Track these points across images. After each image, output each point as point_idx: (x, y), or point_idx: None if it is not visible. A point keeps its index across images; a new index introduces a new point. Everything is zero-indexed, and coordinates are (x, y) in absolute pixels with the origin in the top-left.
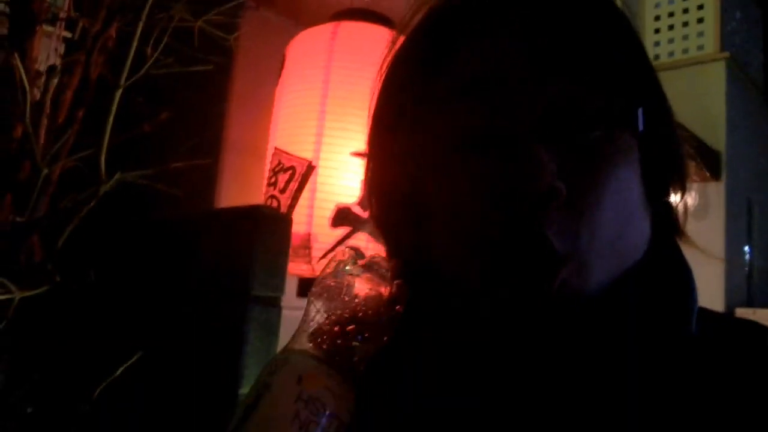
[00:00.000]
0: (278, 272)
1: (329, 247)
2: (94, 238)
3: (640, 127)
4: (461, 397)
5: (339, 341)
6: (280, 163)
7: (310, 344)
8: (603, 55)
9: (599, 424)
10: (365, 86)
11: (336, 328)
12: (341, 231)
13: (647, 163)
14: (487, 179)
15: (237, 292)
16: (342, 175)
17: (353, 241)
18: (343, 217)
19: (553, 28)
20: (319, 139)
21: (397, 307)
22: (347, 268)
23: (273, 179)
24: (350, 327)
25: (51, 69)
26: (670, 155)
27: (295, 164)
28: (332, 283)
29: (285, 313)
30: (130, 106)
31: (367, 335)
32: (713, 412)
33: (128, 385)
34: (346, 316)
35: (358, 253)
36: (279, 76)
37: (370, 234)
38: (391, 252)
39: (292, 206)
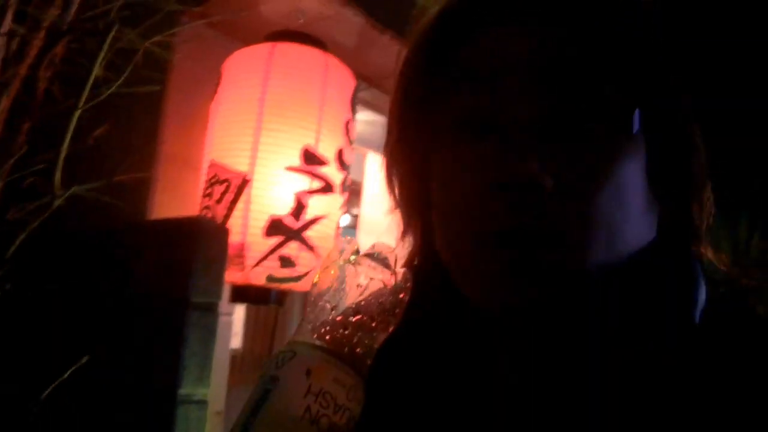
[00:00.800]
0: (216, 280)
1: (262, 255)
2: (41, 247)
3: (635, 126)
4: (463, 391)
5: (345, 332)
6: (215, 175)
7: (315, 336)
8: (607, 51)
9: (589, 406)
10: (300, 105)
11: (340, 319)
12: (274, 240)
13: (654, 161)
14: (478, 168)
15: (177, 298)
16: (276, 188)
17: (285, 250)
18: (276, 227)
19: (561, 23)
20: (255, 154)
21: (401, 295)
22: (352, 257)
23: (209, 191)
24: (355, 318)
25: (2, 84)
26: (676, 155)
27: (230, 177)
28: (335, 274)
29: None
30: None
31: (373, 325)
32: (703, 403)
33: (76, 387)
34: (351, 306)
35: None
36: (215, 91)
37: (302, 243)
38: (414, 240)
39: (227, 217)
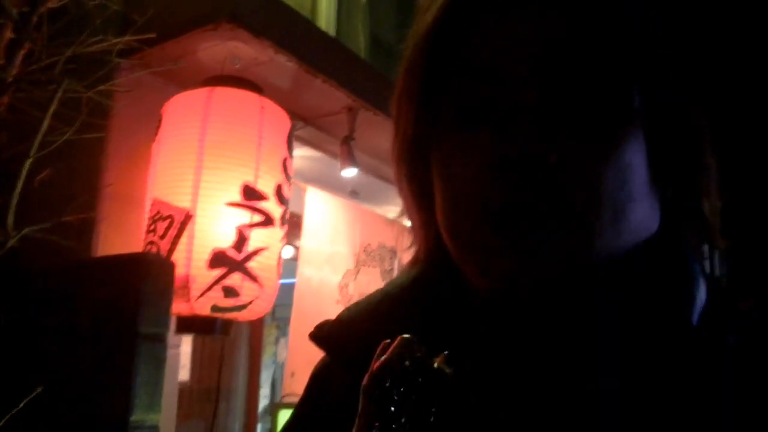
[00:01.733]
0: (163, 310)
1: (207, 287)
2: None
3: (635, 109)
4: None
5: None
6: (159, 212)
7: None
8: (609, 37)
9: (583, 403)
10: (239, 144)
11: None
12: (218, 272)
13: (655, 151)
14: (481, 148)
15: (126, 329)
16: (218, 223)
17: (229, 281)
18: (219, 259)
19: (563, 8)
20: (196, 191)
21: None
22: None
23: (152, 227)
24: None
25: None
26: (678, 146)
27: (173, 213)
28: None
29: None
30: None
31: None
32: (695, 401)
33: (32, 416)
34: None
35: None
36: (156, 133)
37: (244, 274)
38: (416, 231)
39: (171, 251)
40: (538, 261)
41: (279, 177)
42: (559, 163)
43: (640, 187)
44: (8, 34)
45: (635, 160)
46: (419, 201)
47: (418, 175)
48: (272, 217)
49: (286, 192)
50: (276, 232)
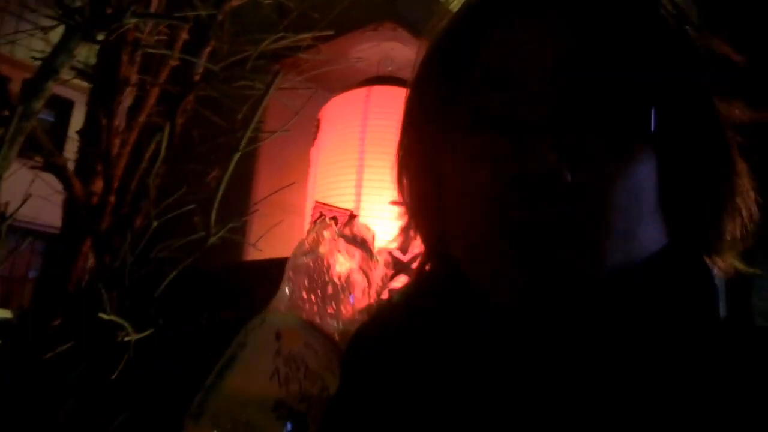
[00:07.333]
0: None
1: None
2: (182, 284)
3: (651, 126)
4: (456, 387)
5: (320, 305)
6: (321, 215)
7: (289, 307)
8: (626, 50)
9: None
10: None
11: (313, 299)
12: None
13: (668, 171)
14: (496, 161)
15: None
16: (382, 222)
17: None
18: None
19: (580, 19)
20: (359, 191)
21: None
22: (326, 234)
23: None
24: (330, 309)
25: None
26: (691, 166)
27: (336, 215)
28: (310, 262)
29: None
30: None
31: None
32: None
33: None
34: (329, 293)
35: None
36: (314, 138)
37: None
38: (422, 238)
39: None
40: (550, 277)
41: None
42: (573, 183)
43: (651, 207)
44: (184, 35)
45: (647, 180)
46: (424, 202)
47: (424, 178)
48: None
49: None
50: None
